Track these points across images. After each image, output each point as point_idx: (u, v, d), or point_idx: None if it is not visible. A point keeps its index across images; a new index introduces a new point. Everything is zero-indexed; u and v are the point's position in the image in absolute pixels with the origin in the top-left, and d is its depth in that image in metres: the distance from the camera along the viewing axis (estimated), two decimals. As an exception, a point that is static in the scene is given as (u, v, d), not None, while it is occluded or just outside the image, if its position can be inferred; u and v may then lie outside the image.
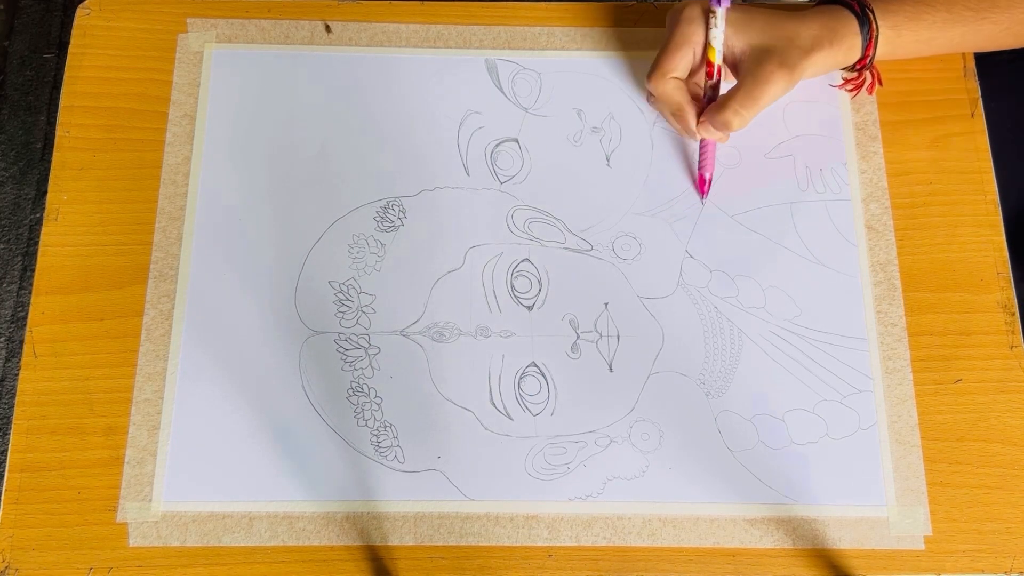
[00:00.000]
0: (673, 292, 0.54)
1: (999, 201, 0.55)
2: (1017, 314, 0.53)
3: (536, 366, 0.52)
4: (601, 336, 0.53)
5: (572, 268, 0.54)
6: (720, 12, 0.50)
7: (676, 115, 0.53)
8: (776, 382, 0.52)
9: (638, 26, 0.59)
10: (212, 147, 0.56)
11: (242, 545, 0.49)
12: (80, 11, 0.59)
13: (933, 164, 0.56)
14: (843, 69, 0.55)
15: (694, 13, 0.51)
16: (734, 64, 0.53)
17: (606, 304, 0.53)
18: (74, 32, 0.58)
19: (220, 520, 0.49)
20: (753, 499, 0.50)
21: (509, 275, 0.54)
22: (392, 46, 0.59)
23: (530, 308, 0.53)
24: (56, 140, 0.56)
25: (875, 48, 0.52)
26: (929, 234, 0.55)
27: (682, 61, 0.52)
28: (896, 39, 0.52)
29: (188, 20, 0.59)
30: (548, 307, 0.53)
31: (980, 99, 0.57)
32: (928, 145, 0.56)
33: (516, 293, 0.53)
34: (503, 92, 0.58)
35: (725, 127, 0.51)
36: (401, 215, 0.55)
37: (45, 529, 0.49)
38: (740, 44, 0.51)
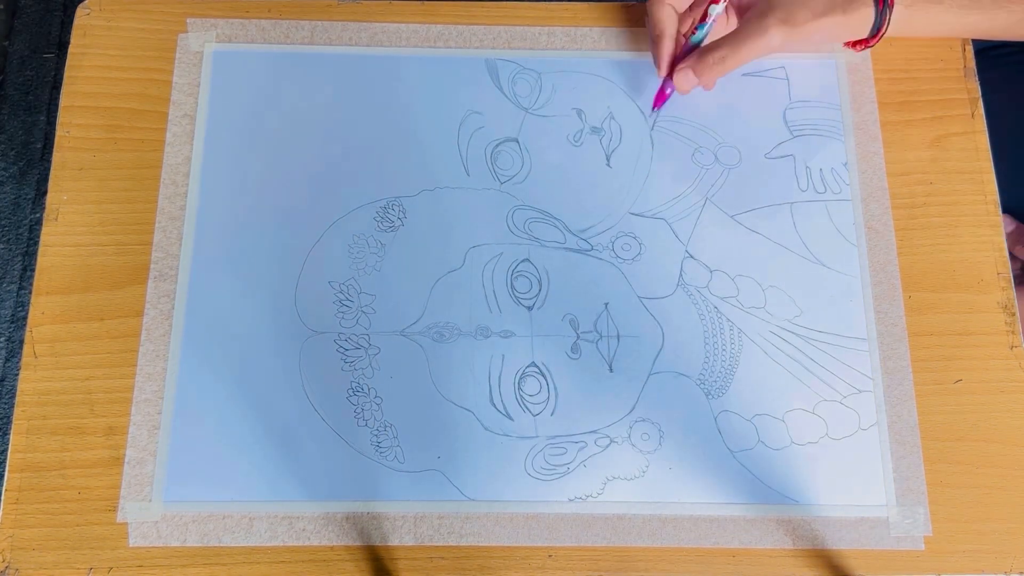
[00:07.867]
0: (673, 292, 0.54)
1: (999, 201, 0.55)
2: (1017, 314, 0.53)
3: (536, 366, 0.52)
4: (601, 336, 0.53)
5: (572, 268, 0.54)
6: None
7: (655, 42, 0.54)
8: (776, 382, 0.52)
9: (638, 26, 0.59)
10: (212, 147, 0.56)
11: (242, 545, 0.49)
12: (80, 11, 0.59)
13: (933, 164, 0.56)
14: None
15: None
16: (739, 10, 0.54)
17: (606, 304, 0.53)
18: (74, 32, 0.58)
19: (220, 520, 0.49)
20: (753, 499, 0.50)
21: (509, 275, 0.54)
22: (392, 46, 0.59)
23: (530, 308, 0.53)
24: (56, 140, 0.56)
25: (888, 26, 0.52)
26: (929, 234, 0.55)
27: None
28: (910, 19, 0.53)
29: (188, 20, 0.59)
30: (548, 307, 0.53)
31: (980, 99, 0.57)
32: (928, 145, 0.56)
33: (516, 293, 0.53)
34: (503, 92, 0.58)
35: (706, 71, 0.52)
36: (401, 215, 0.55)
37: (45, 529, 0.49)
38: None
